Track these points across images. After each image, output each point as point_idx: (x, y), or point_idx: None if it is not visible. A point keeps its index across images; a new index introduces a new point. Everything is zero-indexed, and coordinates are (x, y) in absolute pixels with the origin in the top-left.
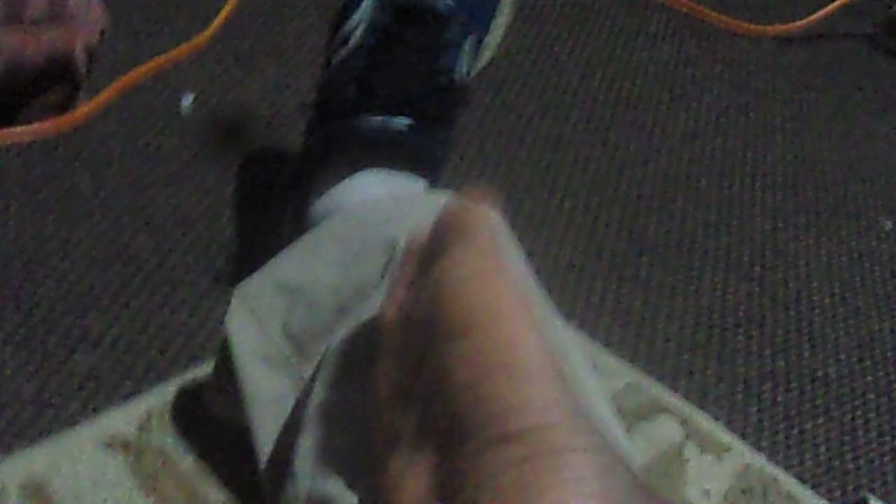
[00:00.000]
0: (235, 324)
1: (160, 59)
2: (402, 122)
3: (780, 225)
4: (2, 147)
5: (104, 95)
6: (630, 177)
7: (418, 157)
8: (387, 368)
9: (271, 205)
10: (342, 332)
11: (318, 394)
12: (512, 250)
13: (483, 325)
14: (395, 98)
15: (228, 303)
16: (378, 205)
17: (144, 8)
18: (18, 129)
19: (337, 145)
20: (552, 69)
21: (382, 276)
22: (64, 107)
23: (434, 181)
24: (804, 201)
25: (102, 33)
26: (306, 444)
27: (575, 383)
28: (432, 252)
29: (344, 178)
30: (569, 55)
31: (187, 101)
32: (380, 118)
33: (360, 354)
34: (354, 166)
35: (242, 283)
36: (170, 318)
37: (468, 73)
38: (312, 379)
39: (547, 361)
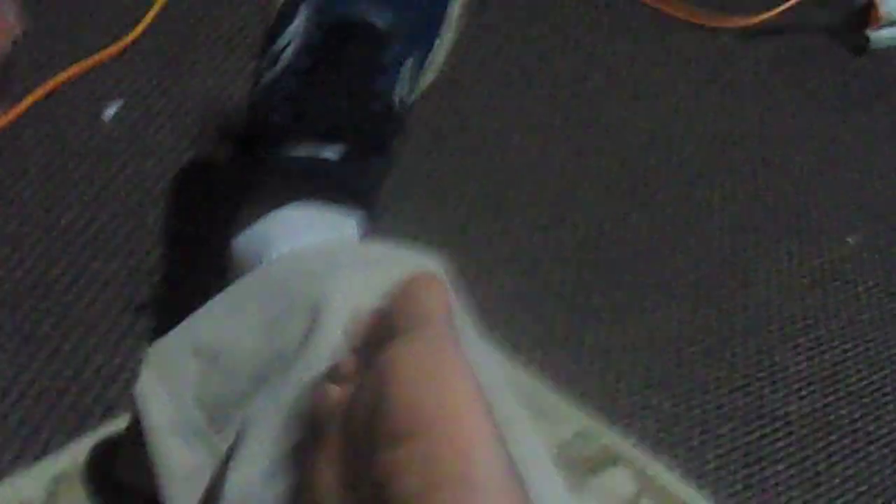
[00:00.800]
0: (147, 391)
1: (83, 63)
2: (334, 150)
3: (740, 242)
4: None
5: (21, 105)
6: (584, 192)
7: (348, 190)
8: (322, 465)
9: (196, 229)
10: (257, 405)
11: (233, 484)
12: (466, 324)
13: (433, 429)
14: (328, 125)
15: (142, 359)
16: (301, 260)
17: (67, 7)
18: None
19: (263, 175)
20: (504, 66)
21: (302, 346)
22: None
23: (368, 213)
24: (765, 215)
25: (18, 39)
26: None
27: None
28: (379, 338)
29: (268, 212)
30: (522, 51)
31: (111, 110)
32: (310, 146)
33: (290, 446)
34: (280, 200)
35: (155, 344)
36: (82, 366)
37: (408, 98)
38: (226, 462)
39: (503, 473)
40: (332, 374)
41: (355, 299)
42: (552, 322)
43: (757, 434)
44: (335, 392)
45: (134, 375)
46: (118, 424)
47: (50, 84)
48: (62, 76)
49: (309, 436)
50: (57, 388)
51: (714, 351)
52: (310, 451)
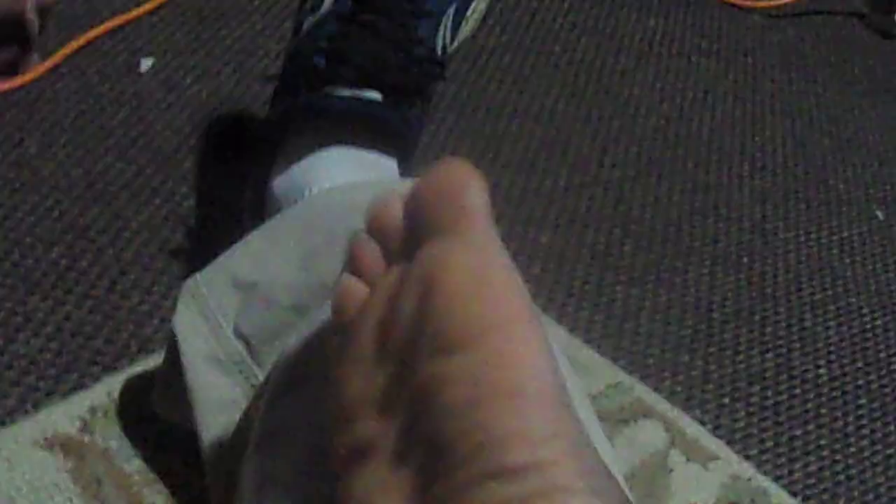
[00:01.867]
0: (184, 323)
1: (118, 19)
2: (373, 95)
3: (769, 212)
4: None
5: (57, 57)
6: (613, 157)
7: (389, 133)
8: (356, 371)
9: (232, 179)
10: (300, 333)
11: (264, 407)
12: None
13: (483, 339)
14: (368, 69)
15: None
16: (343, 192)
17: None
18: None
19: (302, 118)
20: (533, 41)
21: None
22: (14, 69)
23: (406, 160)
24: (794, 186)
25: None
26: (250, 464)
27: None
28: (412, 232)
29: (308, 153)
30: (550, 26)
31: (146, 64)
32: (350, 90)
33: (315, 360)
34: (320, 141)
35: (193, 276)
36: (119, 302)
37: (447, 46)
38: (262, 388)
39: (552, 385)
40: (354, 264)
41: None
42: (584, 280)
43: (786, 395)
44: (360, 289)
45: (169, 315)
46: (153, 362)
47: (86, 37)
48: (98, 29)
49: (336, 341)
50: (93, 324)
51: (743, 314)
52: (337, 360)
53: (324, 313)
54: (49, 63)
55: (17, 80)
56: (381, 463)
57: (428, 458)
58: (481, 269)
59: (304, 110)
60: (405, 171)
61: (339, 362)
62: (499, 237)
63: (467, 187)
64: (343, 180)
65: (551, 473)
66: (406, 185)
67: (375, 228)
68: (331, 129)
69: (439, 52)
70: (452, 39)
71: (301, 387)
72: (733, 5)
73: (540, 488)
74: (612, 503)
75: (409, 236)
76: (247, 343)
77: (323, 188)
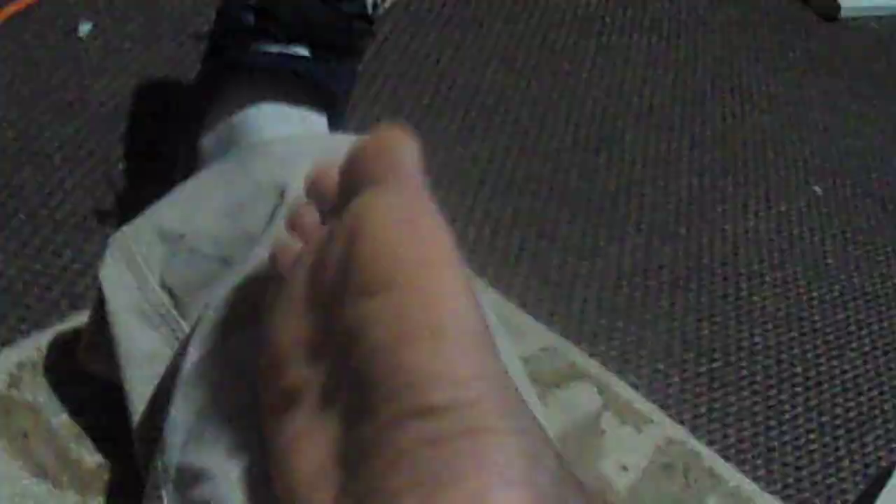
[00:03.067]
0: (111, 275)
1: None
2: (302, 51)
3: (707, 184)
4: None
5: None
6: (551, 128)
7: (318, 88)
8: (287, 319)
9: (166, 141)
10: (225, 284)
11: (193, 353)
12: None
13: (407, 278)
14: (296, 26)
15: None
16: (269, 147)
17: None
18: None
19: (232, 74)
20: (474, 15)
21: (269, 225)
22: None
23: (335, 116)
24: (732, 162)
25: None
26: (177, 414)
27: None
28: (346, 190)
29: (238, 110)
30: (491, 1)
31: (84, 29)
32: (278, 46)
33: (247, 306)
34: (250, 97)
35: (121, 229)
36: (51, 260)
37: (378, 4)
38: (187, 340)
39: (475, 326)
40: (292, 224)
41: None
42: (520, 247)
43: (721, 362)
44: (295, 244)
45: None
46: (84, 319)
47: (25, 1)
48: None
49: (270, 292)
50: (23, 281)
51: (679, 283)
52: (270, 308)
53: (251, 264)
54: None
55: None
56: (308, 407)
57: (353, 400)
58: (407, 213)
59: (233, 67)
60: (335, 127)
61: (271, 311)
62: (429, 191)
63: (399, 145)
64: (272, 135)
65: (473, 413)
66: (335, 139)
67: (313, 191)
68: (260, 85)
69: (370, 10)
70: None
71: (233, 334)
72: None
73: (462, 427)
74: (533, 442)
75: (343, 195)
76: (172, 294)
77: (251, 143)
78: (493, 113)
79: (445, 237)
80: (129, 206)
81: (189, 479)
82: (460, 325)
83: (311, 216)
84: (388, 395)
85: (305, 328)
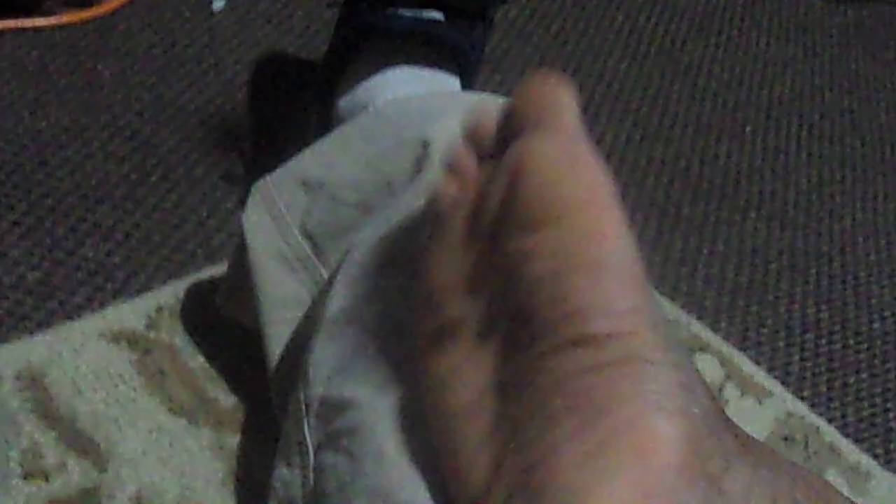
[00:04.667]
0: (253, 222)
1: None
2: (435, 15)
3: (826, 176)
4: (21, 34)
5: None
6: (672, 116)
7: (452, 51)
8: (446, 257)
9: (299, 103)
10: (366, 230)
11: (339, 296)
12: None
13: (568, 215)
14: None
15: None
16: (410, 103)
17: None
18: (41, 18)
19: (366, 39)
20: (597, 8)
21: (412, 176)
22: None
23: (467, 79)
24: (850, 155)
25: None
26: (322, 352)
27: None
28: (506, 135)
29: (373, 73)
30: None
31: (218, 5)
32: (413, 10)
33: (399, 250)
34: (384, 61)
35: (263, 178)
36: (187, 216)
37: None
38: (330, 282)
39: (633, 262)
40: (452, 167)
41: None
42: (643, 227)
43: (840, 345)
44: (454, 185)
45: (236, 229)
46: (220, 270)
47: None
48: None
49: (427, 234)
50: (161, 233)
51: (798, 268)
52: (427, 249)
53: (391, 210)
54: None
55: (93, 11)
56: (466, 340)
57: (512, 331)
58: (568, 154)
59: (368, 31)
60: (470, 88)
61: (428, 251)
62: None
63: (558, 92)
64: (410, 95)
65: (632, 343)
66: (474, 97)
67: (471, 136)
68: (394, 49)
69: None
70: None
71: (384, 277)
72: None
73: (620, 356)
74: (688, 375)
75: (502, 140)
76: (312, 241)
77: (389, 101)
78: (616, 100)
79: (606, 179)
80: (264, 167)
81: (333, 409)
82: (619, 260)
83: (469, 159)
84: (548, 326)
85: (464, 265)
